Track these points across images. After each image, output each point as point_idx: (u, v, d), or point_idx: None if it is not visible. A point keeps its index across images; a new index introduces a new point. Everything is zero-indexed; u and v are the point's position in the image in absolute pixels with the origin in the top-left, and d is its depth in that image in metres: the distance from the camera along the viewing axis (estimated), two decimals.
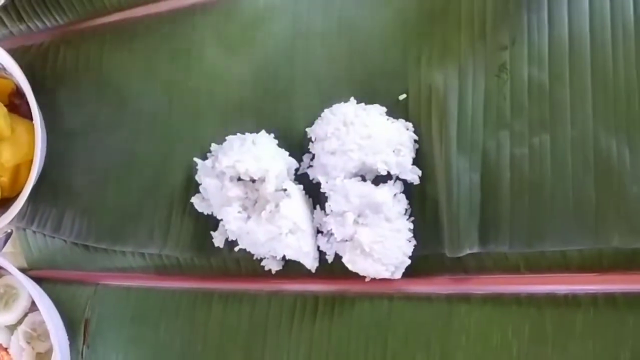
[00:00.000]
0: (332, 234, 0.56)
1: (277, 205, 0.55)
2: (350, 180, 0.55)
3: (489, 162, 0.54)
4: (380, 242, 0.53)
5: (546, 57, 0.53)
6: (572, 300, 0.52)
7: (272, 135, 0.60)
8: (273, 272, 0.60)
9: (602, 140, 0.50)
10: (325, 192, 0.56)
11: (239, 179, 0.59)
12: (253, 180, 0.58)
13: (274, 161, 0.57)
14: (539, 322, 0.53)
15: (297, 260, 0.57)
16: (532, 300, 0.53)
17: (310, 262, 0.57)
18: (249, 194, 0.59)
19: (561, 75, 0.52)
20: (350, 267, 0.55)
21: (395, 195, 0.55)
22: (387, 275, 0.55)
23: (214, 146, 0.62)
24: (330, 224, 0.55)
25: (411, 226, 0.55)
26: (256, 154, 0.57)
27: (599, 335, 0.51)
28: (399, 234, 0.54)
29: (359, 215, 0.55)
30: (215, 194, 0.59)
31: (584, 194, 0.51)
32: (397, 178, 0.56)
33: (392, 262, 0.54)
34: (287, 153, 0.59)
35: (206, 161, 0.61)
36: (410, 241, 0.55)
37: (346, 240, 0.55)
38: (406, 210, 0.56)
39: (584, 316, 0.51)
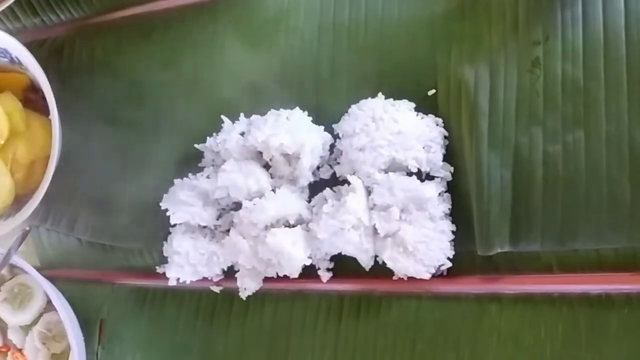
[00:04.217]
0: None
1: (339, 200, 0.54)
2: (395, 174, 0.54)
3: (520, 159, 0.53)
4: (424, 243, 0.52)
5: (580, 52, 0.52)
6: (605, 300, 0.51)
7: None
8: (324, 281, 0.59)
9: (638, 137, 0.50)
10: (368, 186, 0.55)
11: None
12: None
13: (310, 135, 0.56)
14: (572, 322, 0.52)
15: (355, 257, 0.55)
16: (565, 300, 0.52)
17: (367, 260, 0.56)
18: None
19: (596, 71, 0.51)
20: (390, 264, 0.54)
21: (440, 194, 0.54)
22: (426, 276, 0.54)
23: (242, 118, 0.61)
24: (373, 219, 0.54)
25: (454, 228, 0.54)
26: (290, 128, 0.56)
27: (634, 335, 0.50)
28: (443, 235, 0.53)
29: (402, 211, 0.54)
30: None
31: (618, 191, 0.50)
32: (427, 175, 0.55)
33: (433, 263, 0.54)
34: (322, 128, 0.58)
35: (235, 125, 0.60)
36: (452, 243, 0.54)
37: (387, 237, 0.54)
38: (450, 210, 0.55)
39: (618, 316, 0.51)
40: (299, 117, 0.58)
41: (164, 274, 0.62)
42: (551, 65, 0.52)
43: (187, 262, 0.60)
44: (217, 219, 0.61)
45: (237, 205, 0.60)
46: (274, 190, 0.58)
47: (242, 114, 0.61)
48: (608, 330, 0.51)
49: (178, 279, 0.61)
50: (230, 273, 0.61)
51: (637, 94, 0.50)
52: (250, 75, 0.63)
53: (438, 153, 0.55)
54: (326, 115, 0.59)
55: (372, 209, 0.55)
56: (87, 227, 0.69)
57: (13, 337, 0.67)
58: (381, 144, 0.54)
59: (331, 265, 0.59)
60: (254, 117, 0.60)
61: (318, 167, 0.59)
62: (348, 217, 0.53)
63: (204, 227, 0.61)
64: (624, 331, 0.50)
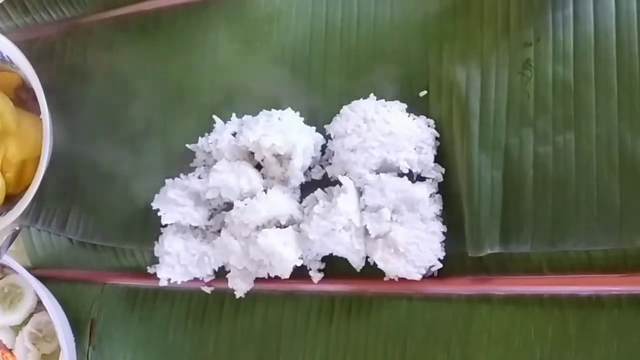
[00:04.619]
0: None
1: (331, 200, 0.54)
2: (386, 175, 0.54)
3: (511, 160, 0.53)
4: (415, 244, 0.52)
5: (571, 54, 0.52)
6: (595, 302, 0.52)
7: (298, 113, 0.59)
8: (316, 282, 0.59)
9: (628, 139, 0.50)
10: (360, 187, 0.55)
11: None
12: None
13: (301, 135, 0.56)
14: (562, 323, 0.52)
15: (346, 257, 0.55)
16: (555, 301, 0.53)
17: (359, 261, 0.56)
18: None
19: (586, 73, 0.51)
20: (381, 265, 0.54)
21: (431, 195, 0.54)
22: (417, 277, 0.54)
23: (234, 118, 0.61)
24: (364, 220, 0.54)
25: (445, 229, 0.54)
26: (282, 128, 0.56)
27: (623, 336, 0.50)
28: (434, 236, 0.54)
29: (393, 212, 0.54)
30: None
31: (608, 193, 0.50)
32: (419, 176, 0.55)
33: (424, 264, 0.54)
34: (314, 128, 0.58)
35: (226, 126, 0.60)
36: (442, 244, 0.54)
37: (378, 238, 0.54)
38: (441, 211, 0.55)
39: (607, 317, 0.51)
40: (290, 118, 0.58)
41: (155, 274, 0.62)
42: (542, 66, 0.53)
43: (178, 263, 0.60)
44: (209, 220, 0.61)
45: (229, 206, 0.60)
46: (265, 191, 0.58)
47: (234, 114, 0.61)
48: (598, 331, 0.51)
49: (169, 280, 0.61)
50: (221, 274, 0.61)
51: (627, 96, 0.50)
52: (242, 75, 0.63)
53: (429, 154, 0.55)
54: (318, 116, 0.59)
55: (363, 209, 0.55)
56: (78, 227, 0.69)
57: (3, 337, 0.67)
58: (373, 144, 0.54)
59: (322, 266, 0.59)
60: (245, 117, 0.60)
61: (310, 168, 0.59)
62: (339, 218, 0.54)
63: (195, 227, 0.61)
64: (613, 332, 0.50)
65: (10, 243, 0.65)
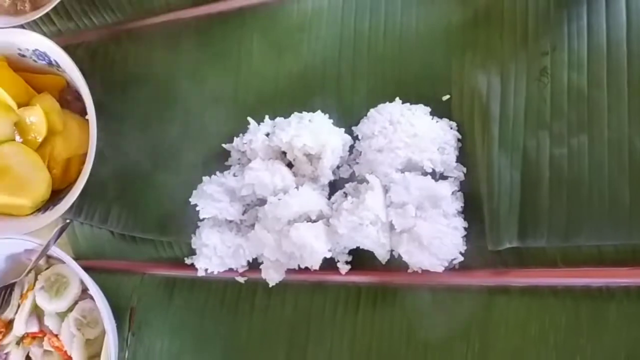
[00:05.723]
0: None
1: (358, 197, 0.58)
2: (411, 173, 0.58)
3: (529, 161, 0.56)
4: (438, 238, 0.56)
5: (585, 62, 0.55)
6: (606, 293, 0.55)
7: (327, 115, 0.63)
8: (343, 273, 0.62)
9: (637, 142, 0.53)
10: (386, 185, 0.58)
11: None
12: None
13: (331, 136, 0.60)
14: (575, 313, 0.56)
15: (372, 250, 0.59)
16: (569, 292, 0.56)
17: (384, 254, 0.59)
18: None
19: (599, 80, 0.55)
20: (405, 258, 0.57)
21: (453, 192, 0.58)
22: (440, 269, 0.57)
23: (267, 120, 0.64)
24: (390, 215, 0.58)
25: (466, 224, 0.58)
26: (313, 129, 0.60)
27: (632, 325, 0.54)
28: (456, 231, 0.57)
29: (417, 208, 0.57)
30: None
31: (619, 192, 0.54)
32: (441, 175, 0.59)
33: (446, 257, 0.57)
34: (343, 130, 0.62)
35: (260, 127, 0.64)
36: (464, 239, 0.58)
37: (403, 232, 0.57)
38: (462, 208, 0.58)
39: (617, 308, 0.54)
40: (320, 120, 0.62)
41: (192, 265, 0.66)
42: (558, 74, 0.56)
43: (215, 254, 0.64)
44: (243, 214, 0.65)
45: (261, 202, 0.63)
46: (297, 188, 0.61)
47: (267, 116, 0.65)
48: (608, 321, 0.54)
49: (206, 270, 0.64)
50: (254, 265, 0.65)
51: (637, 102, 0.54)
52: (275, 80, 0.66)
53: (452, 154, 0.58)
54: (346, 118, 0.63)
55: (389, 206, 0.58)
56: (119, 221, 0.72)
57: (49, 323, 0.70)
58: (398, 145, 0.58)
59: (350, 259, 0.62)
60: (278, 119, 0.64)
61: (338, 167, 0.63)
62: (367, 214, 0.57)
63: (231, 221, 0.65)
64: (623, 322, 0.54)
65: (60, 235, 0.68)
